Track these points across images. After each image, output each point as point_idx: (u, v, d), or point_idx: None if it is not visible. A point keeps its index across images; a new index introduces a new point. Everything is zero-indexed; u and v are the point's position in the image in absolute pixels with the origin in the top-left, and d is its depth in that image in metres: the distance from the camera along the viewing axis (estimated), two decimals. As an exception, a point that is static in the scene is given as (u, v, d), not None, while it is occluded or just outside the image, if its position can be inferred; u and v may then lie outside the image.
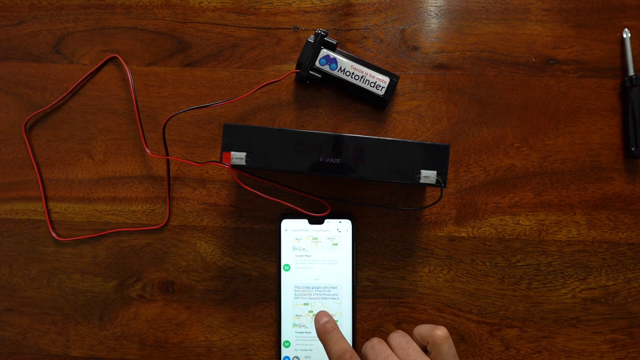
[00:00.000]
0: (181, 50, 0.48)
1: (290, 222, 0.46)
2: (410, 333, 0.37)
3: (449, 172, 0.47)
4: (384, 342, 0.35)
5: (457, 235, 0.46)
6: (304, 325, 0.45)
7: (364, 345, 0.35)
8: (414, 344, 0.35)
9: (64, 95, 0.48)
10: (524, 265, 0.46)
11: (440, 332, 0.35)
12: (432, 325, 0.36)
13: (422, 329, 0.36)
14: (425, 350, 0.35)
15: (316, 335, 0.45)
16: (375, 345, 0.34)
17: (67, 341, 0.48)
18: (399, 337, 0.35)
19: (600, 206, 0.46)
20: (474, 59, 0.47)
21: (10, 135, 0.48)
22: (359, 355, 0.34)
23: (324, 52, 0.45)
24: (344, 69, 0.45)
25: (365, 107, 0.47)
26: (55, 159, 0.48)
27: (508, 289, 0.46)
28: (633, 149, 0.45)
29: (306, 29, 0.48)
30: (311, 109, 0.47)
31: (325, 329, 0.36)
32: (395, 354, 0.34)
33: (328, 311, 0.45)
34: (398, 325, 0.46)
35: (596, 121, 0.47)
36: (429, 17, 0.47)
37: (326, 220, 0.45)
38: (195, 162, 0.45)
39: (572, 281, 0.46)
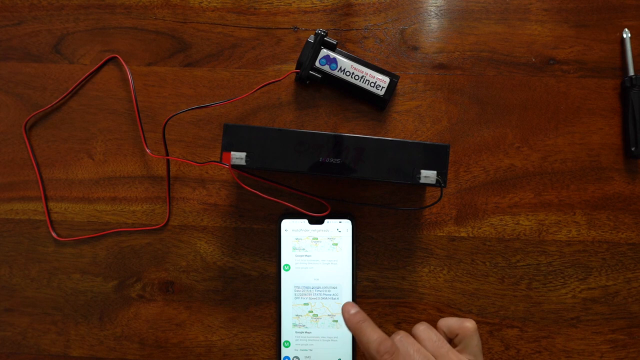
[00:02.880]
0: (181, 50, 0.48)
1: (290, 222, 0.46)
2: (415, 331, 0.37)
3: (449, 172, 0.47)
4: (410, 336, 0.35)
5: (457, 235, 0.46)
6: (304, 325, 0.45)
7: (390, 339, 0.35)
8: (442, 337, 0.35)
9: (64, 95, 0.48)
10: (524, 265, 0.46)
11: (470, 324, 0.35)
12: (460, 317, 0.36)
13: (450, 322, 0.36)
14: (449, 342, 0.36)
15: (316, 335, 0.45)
16: (402, 339, 0.34)
17: (67, 341, 0.48)
18: (426, 330, 0.35)
19: (600, 206, 0.46)
20: (474, 59, 0.47)
21: (10, 135, 0.48)
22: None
23: (324, 52, 0.45)
24: (344, 69, 0.45)
25: (365, 107, 0.47)
26: (55, 159, 0.48)
27: (508, 289, 0.46)
28: (633, 149, 0.45)
29: (306, 29, 0.48)
30: (311, 109, 0.47)
31: (357, 318, 0.36)
32: (423, 346, 0.34)
33: (328, 311, 0.45)
34: (398, 326, 0.46)
35: (596, 121, 0.47)
36: (429, 17, 0.47)
37: (326, 220, 0.45)
38: (195, 162, 0.45)
39: (572, 281, 0.46)
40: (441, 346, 0.34)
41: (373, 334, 0.35)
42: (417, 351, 0.33)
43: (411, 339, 0.34)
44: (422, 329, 0.35)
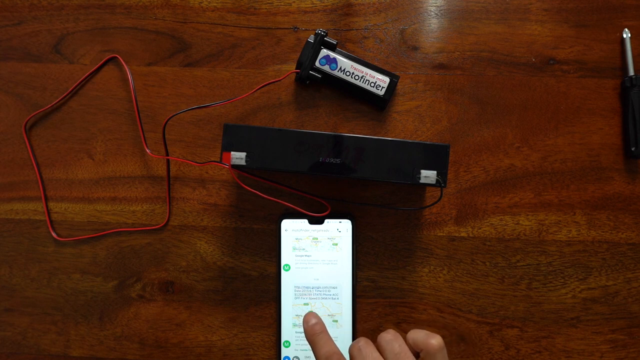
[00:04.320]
0: (181, 50, 0.48)
1: (290, 222, 0.46)
2: (403, 334, 0.36)
3: (449, 172, 0.47)
4: (372, 344, 0.34)
5: (457, 235, 0.46)
6: (304, 325, 0.45)
7: (350, 346, 0.34)
8: (406, 349, 0.33)
9: (64, 95, 0.48)
10: (524, 265, 0.46)
11: (435, 341, 0.33)
12: (428, 332, 0.34)
13: (417, 336, 0.34)
14: (416, 355, 0.35)
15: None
16: (362, 347, 0.33)
17: (67, 341, 0.48)
18: (391, 341, 0.34)
19: (600, 206, 0.46)
20: (474, 59, 0.47)
21: (10, 135, 0.48)
22: (346, 358, 0.33)
23: (324, 52, 0.45)
24: (344, 69, 0.45)
25: (365, 107, 0.47)
26: (55, 159, 0.48)
27: (508, 289, 0.46)
28: (633, 149, 0.45)
29: (306, 29, 0.48)
30: (311, 109, 0.47)
31: (314, 330, 0.36)
32: (385, 357, 0.33)
33: (328, 311, 0.45)
34: (398, 325, 0.46)
35: (596, 121, 0.47)
36: (429, 17, 0.47)
37: (326, 220, 0.45)
38: (195, 162, 0.45)
39: (572, 281, 0.46)
40: (402, 359, 0.32)
41: (323, 348, 0.34)
42: None
43: (371, 348, 0.33)
44: (387, 338, 0.34)
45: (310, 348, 0.45)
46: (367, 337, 0.46)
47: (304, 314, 0.45)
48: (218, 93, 0.48)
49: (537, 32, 0.47)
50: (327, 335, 0.36)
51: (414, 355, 0.34)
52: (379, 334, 0.46)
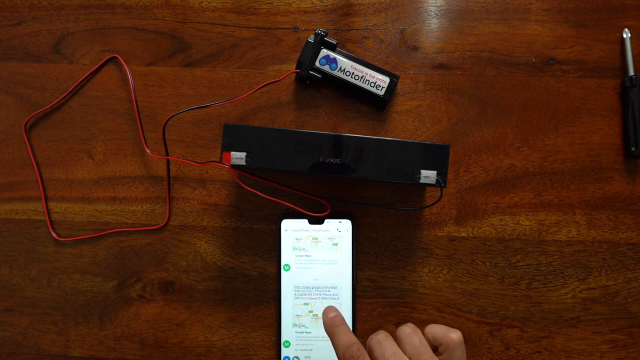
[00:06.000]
0: (181, 50, 0.48)
1: (290, 222, 0.46)
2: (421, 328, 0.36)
3: (449, 172, 0.47)
4: (391, 337, 0.34)
5: (457, 235, 0.46)
6: (304, 325, 0.45)
7: (369, 338, 0.34)
8: (426, 343, 0.33)
9: (64, 95, 0.48)
10: (524, 265, 0.46)
11: (455, 335, 0.34)
12: (447, 327, 0.35)
13: (436, 330, 0.35)
14: (434, 349, 0.35)
15: (316, 335, 0.45)
16: (382, 340, 0.33)
17: (67, 341, 0.48)
18: (410, 335, 0.34)
19: (600, 206, 0.46)
20: (474, 59, 0.47)
21: (10, 135, 0.48)
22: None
23: (324, 52, 0.45)
24: (344, 69, 0.45)
25: (365, 107, 0.47)
26: (55, 159, 0.48)
27: (508, 289, 0.46)
28: (633, 149, 0.45)
29: (306, 29, 0.48)
30: (311, 109, 0.47)
31: (333, 322, 0.36)
32: (404, 350, 0.33)
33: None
34: (398, 326, 0.46)
35: (596, 121, 0.47)
36: (429, 17, 0.47)
37: (326, 220, 0.45)
38: (195, 162, 0.45)
39: (572, 281, 0.46)
40: (422, 353, 0.33)
41: (342, 339, 0.34)
42: (393, 354, 0.32)
43: (390, 341, 0.33)
44: (407, 332, 0.34)
45: (309, 349, 0.45)
46: (368, 337, 0.46)
47: (304, 314, 0.45)
48: (218, 93, 0.48)
49: (537, 32, 0.47)
50: (346, 327, 0.35)
51: (432, 349, 0.34)
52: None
